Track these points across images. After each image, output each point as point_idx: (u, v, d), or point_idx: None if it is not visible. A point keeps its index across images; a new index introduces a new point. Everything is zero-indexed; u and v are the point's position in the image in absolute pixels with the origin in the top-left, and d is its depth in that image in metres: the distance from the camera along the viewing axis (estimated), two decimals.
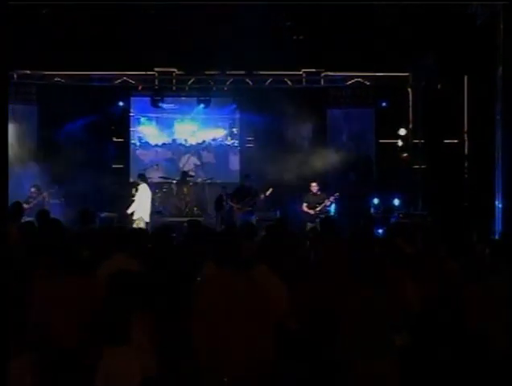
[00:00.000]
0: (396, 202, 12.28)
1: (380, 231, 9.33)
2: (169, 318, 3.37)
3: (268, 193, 10.91)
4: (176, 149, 14.41)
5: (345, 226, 8.73)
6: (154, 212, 11.91)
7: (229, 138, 14.17)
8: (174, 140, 14.43)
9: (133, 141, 14.30)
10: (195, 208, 12.99)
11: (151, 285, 3.59)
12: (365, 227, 6.98)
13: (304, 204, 11.04)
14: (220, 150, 14.31)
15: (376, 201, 12.39)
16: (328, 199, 10.76)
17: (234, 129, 14.28)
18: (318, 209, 10.73)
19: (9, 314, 2.32)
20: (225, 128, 14.37)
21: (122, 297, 3.20)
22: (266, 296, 3.11)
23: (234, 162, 14.12)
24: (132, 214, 11.13)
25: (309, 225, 10.65)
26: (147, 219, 11.01)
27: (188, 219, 9.08)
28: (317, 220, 10.30)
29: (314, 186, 11.00)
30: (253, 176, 12.54)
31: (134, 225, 10.30)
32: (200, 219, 11.05)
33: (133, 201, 11.26)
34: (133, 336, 3.10)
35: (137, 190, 11.36)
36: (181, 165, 14.34)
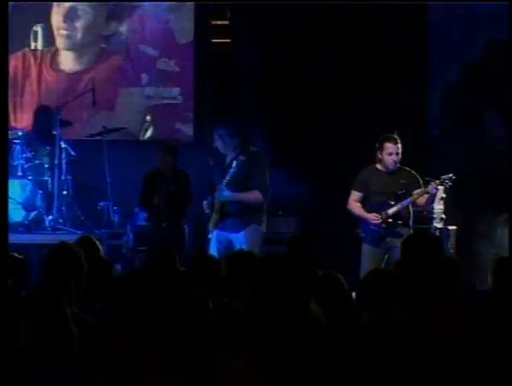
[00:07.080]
0: None
1: None
2: None
3: None
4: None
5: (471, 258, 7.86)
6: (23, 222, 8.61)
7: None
8: (56, 49, 10.43)
9: None
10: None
11: None
12: None
13: (355, 194, 7.72)
14: (161, 77, 11.13)
15: None
16: (427, 187, 7.68)
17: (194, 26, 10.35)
18: (392, 210, 7.61)
19: None
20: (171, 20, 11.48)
21: None
22: None
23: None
24: None
25: (373, 253, 7.46)
26: None
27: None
28: (388, 240, 7.35)
29: (391, 152, 7.77)
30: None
31: None
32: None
33: None
34: None
35: None
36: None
